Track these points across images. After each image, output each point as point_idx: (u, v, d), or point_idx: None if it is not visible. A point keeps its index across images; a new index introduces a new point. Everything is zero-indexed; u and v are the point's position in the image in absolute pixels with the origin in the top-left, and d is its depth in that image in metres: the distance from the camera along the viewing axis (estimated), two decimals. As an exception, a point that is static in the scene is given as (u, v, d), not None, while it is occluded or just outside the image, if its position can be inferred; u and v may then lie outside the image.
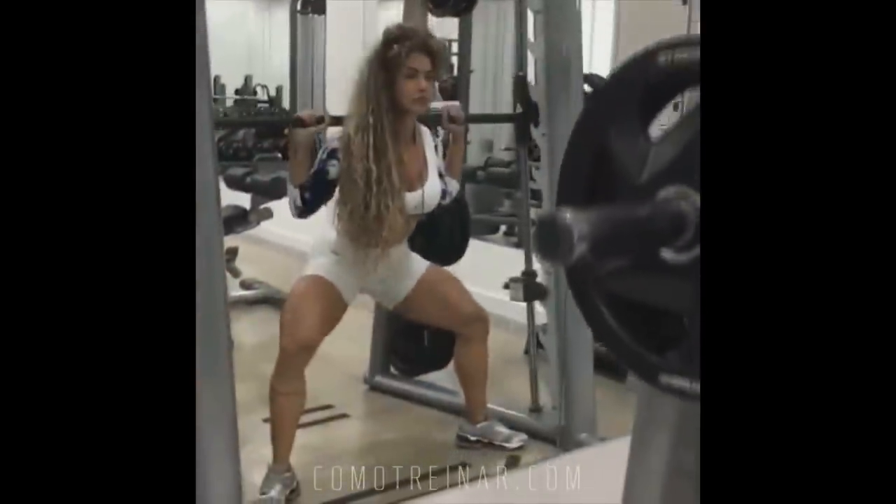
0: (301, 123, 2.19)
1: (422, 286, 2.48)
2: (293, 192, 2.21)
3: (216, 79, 7.88)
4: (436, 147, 2.43)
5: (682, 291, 0.69)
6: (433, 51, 2.24)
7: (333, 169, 2.21)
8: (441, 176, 2.42)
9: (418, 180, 2.32)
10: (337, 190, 2.25)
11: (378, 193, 2.16)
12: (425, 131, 2.41)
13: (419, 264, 2.50)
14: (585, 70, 2.70)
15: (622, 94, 0.76)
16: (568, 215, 0.61)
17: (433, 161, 2.39)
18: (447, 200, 2.48)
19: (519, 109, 2.64)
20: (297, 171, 2.21)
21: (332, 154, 2.22)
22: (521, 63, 2.62)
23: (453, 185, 2.49)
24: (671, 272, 0.70)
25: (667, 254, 0.70)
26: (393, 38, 2.23)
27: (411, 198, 2.28)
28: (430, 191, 2.35)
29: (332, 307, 2.32)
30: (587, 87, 2.58)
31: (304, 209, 2.23)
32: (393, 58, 2.20)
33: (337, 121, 2.26)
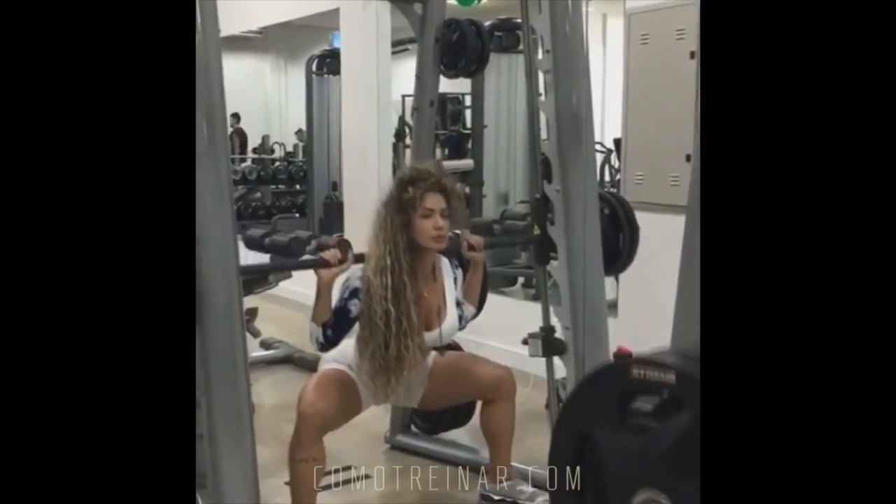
0: (325, 265, 2.24)
1: (435, 379, 2.51)
2: (316, 329, 2.27)
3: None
4: (455, 279, 2.49)
5: None
6: (448, 190, 2.32)
7: (355, 308, 2.28)
8: (459, 304, 2.48)
9: (437, 318, 2.39)
10: (357, 327, 2.31)
11: (398, 334, 2.22)
12: (445, 264, 2.47)
13: (426, 361, 2.51)
14: (597, 120, 2.70)
15: (601, 393, 0.94)
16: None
17: (451, 295, 2.45)
18: (463, 326, 2.54)
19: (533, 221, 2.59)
20: (321, 310, 2.26)
21: (354, 293, 2.29)
22: (532, 119, 2.61)
23: (469, 311, 2.55)
24: None
25: None
26: (408, 180, 2.30)
27: (429, 336, 2.36)
28: (448, 328, 2.42)
29: (350, 398, 2.36)
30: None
31: (326, 345, 2.29)
32: (409, 200, 2.27)
33: (360, 258, 2.31)
